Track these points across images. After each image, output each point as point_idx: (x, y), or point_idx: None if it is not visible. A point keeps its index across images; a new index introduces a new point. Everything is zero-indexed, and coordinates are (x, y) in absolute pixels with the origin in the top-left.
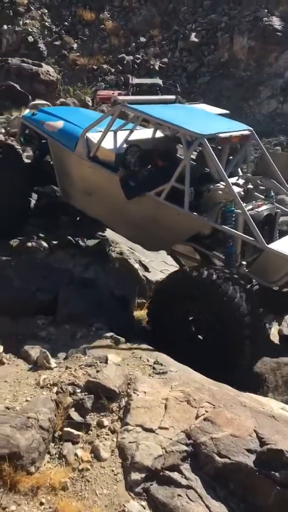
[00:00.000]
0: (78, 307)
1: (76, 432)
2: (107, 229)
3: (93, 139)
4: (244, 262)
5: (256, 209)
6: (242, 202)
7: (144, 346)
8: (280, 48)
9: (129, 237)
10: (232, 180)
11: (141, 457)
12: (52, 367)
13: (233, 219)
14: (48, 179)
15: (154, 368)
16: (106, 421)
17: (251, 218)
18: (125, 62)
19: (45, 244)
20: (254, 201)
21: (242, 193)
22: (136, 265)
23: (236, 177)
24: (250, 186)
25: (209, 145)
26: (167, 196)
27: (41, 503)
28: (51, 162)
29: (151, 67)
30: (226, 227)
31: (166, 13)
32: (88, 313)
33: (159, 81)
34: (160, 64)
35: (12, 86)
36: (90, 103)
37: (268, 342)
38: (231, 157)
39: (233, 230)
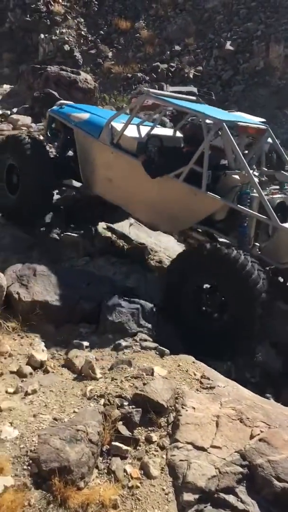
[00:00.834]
0: (122, 317)
1: (124, 447)
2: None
3: (117, 127)
4: (257, 244)
5: (271, 196)
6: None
7: (190, 359)
8: None
9: (147, 220)
10: None
11: (194, 477)
12: (98, 377)
13: (248, 201)
14: (70, 173)
15: (201, 382)
16: (154, 437)
17: (266, 200)
18: (159, 70)
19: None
20: (268, 189)
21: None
22: None
23: (251, 170)
24: (265, 178)
25: (228, 131)
26: (186, 178)
27: None
28: (74, 155)
29: (186, 75)
30: (241, 206)
31: (201, 21)
32: (132, 323)
33: (194, 89)
34: (195, 72)
35: (51, 94)
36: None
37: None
38: (246, 151)
39: (248, 210)
